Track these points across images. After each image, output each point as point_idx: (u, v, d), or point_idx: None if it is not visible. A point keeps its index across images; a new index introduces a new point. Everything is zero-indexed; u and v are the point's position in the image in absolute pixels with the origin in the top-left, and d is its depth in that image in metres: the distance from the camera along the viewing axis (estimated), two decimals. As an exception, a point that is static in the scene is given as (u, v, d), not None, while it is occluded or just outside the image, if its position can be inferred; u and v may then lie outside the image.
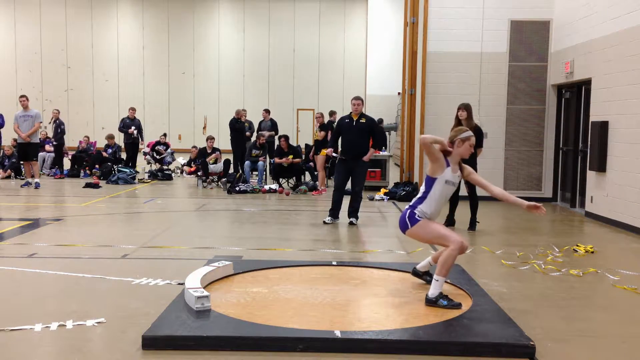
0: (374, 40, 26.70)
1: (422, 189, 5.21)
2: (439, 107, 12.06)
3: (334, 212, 9.31)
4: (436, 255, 5.47)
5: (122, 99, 28.04)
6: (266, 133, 15.62)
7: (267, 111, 16.78)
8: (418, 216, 5.10)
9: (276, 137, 15.36)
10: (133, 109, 17.18)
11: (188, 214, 10.47)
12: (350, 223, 9.18)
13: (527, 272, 6.40)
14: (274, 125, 16.33)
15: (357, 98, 9.21)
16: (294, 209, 11.06)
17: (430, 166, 5.14)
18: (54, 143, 16.16)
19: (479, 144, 8.83)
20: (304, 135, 25.96)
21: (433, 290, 4.94)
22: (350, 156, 9.10)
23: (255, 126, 16.72)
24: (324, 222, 9.25)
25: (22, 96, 13.55)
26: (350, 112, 9.22)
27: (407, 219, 5.14)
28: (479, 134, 8.77)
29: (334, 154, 9.56)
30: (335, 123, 10.09)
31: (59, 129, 16.20)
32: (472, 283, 5.59)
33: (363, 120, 9.12)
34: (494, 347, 4.07)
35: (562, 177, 12.11)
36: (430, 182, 5.12)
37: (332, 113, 16.26)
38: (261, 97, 27.60)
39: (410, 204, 5.24)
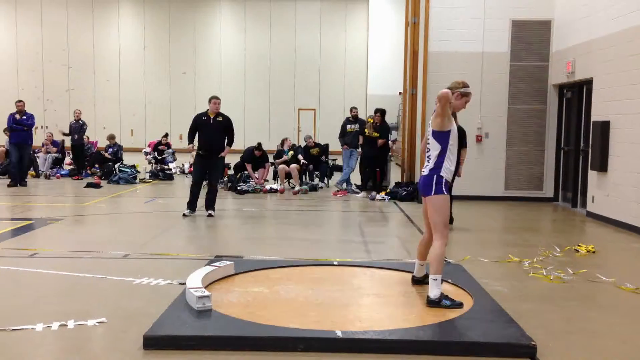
0: (375, 40, 26.67)
1: (434, 147, 4.99)
2: (439, 107, 12.02)
3: (192, 205, 9.82)
4: (421, 254, 5.38)
5: (123, 99, 28.08)
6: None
7: None
8: (445, 182, 4.94)
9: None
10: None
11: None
12: (209, 215, 9.67)
13: (527, 272, 6.40)
14: None
15: (216, 97, 9.80)
16: (294, 209, 11.06)
17: (438, 120, 4.97)
18: (73, 143, 16.07)
19: (462, 144, 8.60)
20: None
21: (435, 291, 4.89)
22: (208, 152, 9.66)
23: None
24: (184, 215, 9.69)
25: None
26: (207, 110, 9.76)
27: (433, 184, 4.92)
28: (462, 134, 8.56)
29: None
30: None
31: (82, 128, 16.33)
32: (473, 283, 5.59)
33: (220, 119, 9.76)
34: (494, 347, 4.07)
35: (564, 177, 12.09)
36: (444, 136, 4.95)
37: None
38: (262, 97, 27.58)
39: (430, 166, 4.98)
